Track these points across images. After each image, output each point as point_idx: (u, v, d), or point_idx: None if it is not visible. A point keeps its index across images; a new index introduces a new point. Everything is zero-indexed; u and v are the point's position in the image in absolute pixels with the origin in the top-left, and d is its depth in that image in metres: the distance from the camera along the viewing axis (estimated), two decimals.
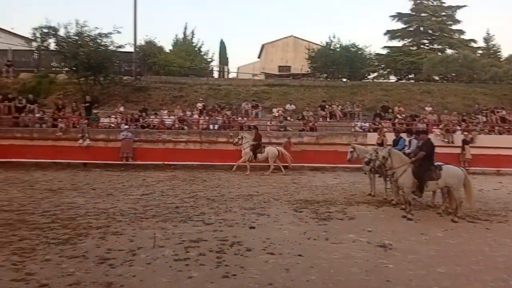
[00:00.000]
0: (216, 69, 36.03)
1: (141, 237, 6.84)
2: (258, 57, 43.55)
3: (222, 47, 40.45)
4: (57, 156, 16.50)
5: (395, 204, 10.00)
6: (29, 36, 22.66)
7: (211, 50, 42.45)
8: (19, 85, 21.82)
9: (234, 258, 5.85)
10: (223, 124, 19.36)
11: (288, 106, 21.60)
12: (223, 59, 39.34)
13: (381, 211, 9.45)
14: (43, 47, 22.06)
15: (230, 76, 36.22)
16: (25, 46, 26.84)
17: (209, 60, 34.94)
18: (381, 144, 12.72)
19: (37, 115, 18.62)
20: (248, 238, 6.84)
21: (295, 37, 39.13)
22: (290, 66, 37.32)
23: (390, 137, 12.93)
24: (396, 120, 19.83)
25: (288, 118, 20.48)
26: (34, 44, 23.01)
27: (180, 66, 28.34)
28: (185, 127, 19.01)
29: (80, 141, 16.80)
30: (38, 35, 21.11)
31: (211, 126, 19.14)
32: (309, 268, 5.54)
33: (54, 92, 21.95)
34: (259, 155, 15.97)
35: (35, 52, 24.38)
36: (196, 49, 34.02)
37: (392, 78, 33.22)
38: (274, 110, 21.06)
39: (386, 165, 9.14)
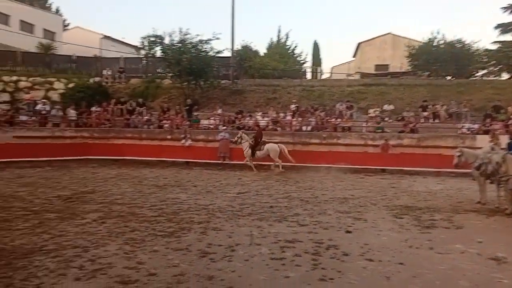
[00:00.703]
0: (309, 70, 35.92)
1: (239, 234, 7.06)
2: (353, 56, 42.44)
3: (316, 48, 40.16)
4: (163, 154, 17.78)
5: (509, 214, 8.99)
6: (138, 44, 24.81)
7: (304, 51, 42.43)
8: (129, 90, 23.99)
9: (331, 262, 5.74)
10: (316, 125, 19.19)
11: (386, 107, 20.68)
12: (316, 60, 39.04)
13: (492, 221, 8.56)
14: (150, 55, 23.97)
15: (324, 76, 35.85)
16: (135, 54, 29.49)
17: (302, 61, 34.99)
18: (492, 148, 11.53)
19: (145, 117, 20.34)
20: (345, 242, 6.67)
21: (393, 34, 37.39)
22: (388, 65, 35.74)
23: (503, 140, 11.65)
24: (510, 122, 17.82)
25: (386, 119, 19.60)
26: (143, 52, 25.07)
27: (274, 68, 28.80)
28: (278, 128, 19.23)
29: (183, 141, 17.93)
30: (146, 43, 23.01)
31: (304, 128, 19.11)
32: (412, 277, 5.21)
33: (160, 96, 23.74)
34: (257, 153, 16.02)
35: (143, 59, 26.57)
36: (290, 51, 34.29)
37: (505, 76, 29.97)
38: (371, 110, 20.32)
39: (500, 171, 8.26)
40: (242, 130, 17.43)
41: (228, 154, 17.54)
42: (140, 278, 5.04)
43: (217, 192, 11.43)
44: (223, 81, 24.20)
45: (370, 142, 17.62)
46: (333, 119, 19.47)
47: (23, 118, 19.44)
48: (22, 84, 23.13)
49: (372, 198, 10.96)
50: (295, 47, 34.52)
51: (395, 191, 12.34)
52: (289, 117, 20.03)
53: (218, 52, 22.91)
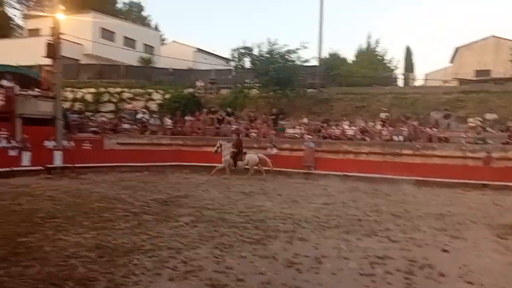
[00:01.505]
0: (401, 77, 34.26)
1: (325, 246, 6.92)
2: (451, 62, 39.61)
3: (408, 53, 38.19)
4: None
5: None
6: (228, 56, 25.81)
7: (395, 57, 40.64)
8: (220, 100, 25.02)
9: (425, 282, 5.36)
10: (409, 135, 18.20)
11: (487, 115, 18.95)
12: (409, 66, 37.08)
13: None
14: (239, 66, 24.78)
15: (417, 83, 33.92)
16: (225, 65, 30.73)
17: (393, 68, 33.52)
18: None
19: (234, 126, 21.01)
20: (441, 262, 6.19)
21: (496, 37, 34.22)
22: (489, 70, 32.73)
23: None
24: None
25: (488, 129, 17.93)
26: (232, 63, 26.01)
27: (363, 76, 28.01)
28: (367, 138, 18.61)
29: (269, 149, 18.16)
30: (235, 55, 23.87)
31: (395, 137, 18.24)
32: None
33: (248, 105, 24.38)
34: (239, 163, 16.25)
35: (233, 71, 27.55)
36: (380, 57, 33.08)
37: None
38: (470, 120, 18.76)
39: None
40: (221, 139, 17.58)
41: (313, 164, 17.38)
42: (228, 283, 5.17)
43: (302, 201, 11.36)
44: (309, 90, 24.13)
45: (469, 154, 16.30)
46: (428, 129, 18.32)
47: (126, 126, 21.26)
48: (125, 95, 25.37)
49: (472, 215, 10.06)
50: (385, 53, 33.23)
51: (498, 208, 11.20)
52: (378, 127, 19.29)
53: (305, 61, 22.99)
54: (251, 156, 16.55)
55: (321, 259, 6.18)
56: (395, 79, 32.23)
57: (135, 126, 21.43)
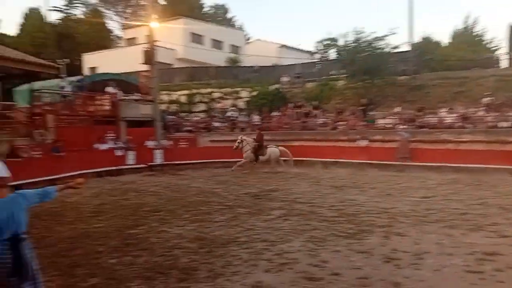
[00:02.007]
0: (505, 57, 30.92)
1: (426, 241, 6.53)
2: None
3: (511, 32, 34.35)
4: (338, 155, 17.82)
5: None
6: (313, 49, 25.57)
7: (497, 36, 36.78)
8: (305, 94, 24.87)
9: None
10: None
11: None
12: None
13: None
14: (324, 58, 24.41)
15: None
16: (309, 59, 30.49)
17: (495, 48, 30.42)
18: None
19: (320, 119, 20.76)
20: None
21: None
22: None
23: None
24: None
25: None
26: (317, 56, 25.71)
27: (460, 59, 25.84)
28: (469, 125, 17.11)
29: (359, 142, 17.63)
30: (320, 47, 23.57)
31: (501, 124, 16.53)
32: None
33: (334, 97, 23.89)
34: (261, 157, 15.82)
35: (318, 63, 27.23)
36: (479, 38, 30.26)
37: None
38: None
39: None
40: (242, 135, 17.04)
41: (408, 155, 16.45)
42: (324, 276, 5.14)
43: (398, 195, 10.84)
44: (400, 77, 22.88)
45: None
46: None
47: (217, 124, 22.17)
48: (215, 95, 26.46)
49: None
50: (486, 32, 30.31)
51: None
52: (481, 113, 17.64)
53: (394, 48, 21.87)
54: (273, 150, 16.35)
55: (422, 254, 5.86)
56: (497, 60, 29.22)
57: (226, 124, 22.23)
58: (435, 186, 12.18)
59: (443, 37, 55.53)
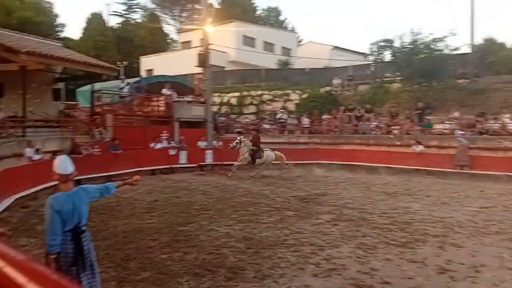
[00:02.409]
0: None
1: (484, 253, 6.16)
2: None
3: None
4: (391, 161, 17.28)
5: None
6: (366, 51, 24.96)
7: None
8: (358, 97, 24.36)
9: None
10: None
11: None
12: None
13: None
14: (378, 60, 23.75)
15: None
16: (362, 61, 29.80)
17: None
18: None
19: (373, 123, 20.23)
20: None
21: None
22: None
23: None
24: None
25: None
26: (371, 58, 25.05)
27: None
28: None
29: (414, 147, 16.98)
30: (374, 49, 22.94)
31: None
32: None
33: (388, 101, 23.21)
34: (257, 160, 15.44)
35: (372, 65, 26.53)
36: None
37: None
38: None
39: None
40: (241, 136, 16.43)
41: (467, 162, 15.62)
42: (374, 284, 4.99)
43: (455, 204, 10.31)
44: (460, 81, 21.78)
45: None
46: None
47: (266, 126, 22.26)
48: (265, 97, 26.60)
49: None
50: None
51: None
52: None
53: (454, 50, 20.83)
54: (269, 154, 16.02)
55: (479, 267, 5.53)
56: None
57: (275, 126, 22.26)
58: (495, 196, 11.46)
59: (508, 38, 52.33)
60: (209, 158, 17.86)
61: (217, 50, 26.07)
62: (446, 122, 18.29)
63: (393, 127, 19.19)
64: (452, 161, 15.82)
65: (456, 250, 6.36)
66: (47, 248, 3.54)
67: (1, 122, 13.12)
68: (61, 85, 18.44)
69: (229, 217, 8.67)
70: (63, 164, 3.61)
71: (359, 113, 21.30)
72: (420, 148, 16.78)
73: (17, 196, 9.55)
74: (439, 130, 17.98)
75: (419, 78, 20.92)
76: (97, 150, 14.28)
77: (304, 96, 25.33)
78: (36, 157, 11.30)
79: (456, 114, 18.69)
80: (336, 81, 25.93)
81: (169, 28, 48.43)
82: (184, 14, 49.15)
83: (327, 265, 5.66)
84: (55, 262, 3.49)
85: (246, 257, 6.00)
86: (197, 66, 20.06)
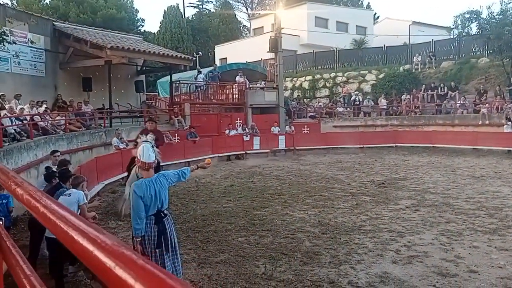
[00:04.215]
0: None
1: None
2: None
3: None
4: (478, 142, 16.00)
5: None
6: (450, 25, 23.12)
7: None
8: (440, 74, 22.73)
9: None
10: None
11: None
12: None
13: None
14: (464, 33, 21.92)
15: None
16: (445, 35, 27.67)
17: None
18: None
19: (459, 102, 18.81)
20: None
21: None
22: None
23: None
24: None
25: None
26: (455, 31, 23.20)
27: None
28: None
29: (505, 126, 15.52)
30: (459, 22, 21.18)
31: None
32: None
33: (475, 77, 21.36)
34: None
35: (456, 40, 24.55)
36: None
37: None
38: None
39: None
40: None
41: None
42: (459, 273, 4.70)
43: None
44: None
45: None
46: None
47: (340, 109, 21.73)
48: (339, 79, 25.88)
49: None
50: None
51: None
52: None
53: None
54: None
55: None
56: None
57: (349, 109, 21.66)
58: None
59: None
60: (282, 143, 17.93)
61: (289, 34, 25.81)
62: None
63: (481, 105, 17.67)
64: None
65: None
66: (133, 232, 3.81)
67: (91, 114, 14.29)
68: (142, 77, 19.57)
69: (303, 202, 8.65)
70: (146, 153, 3.81)
71: (442, 91, 19.91)
72: (509, 126, 15.29)
73: (106, 182, 10.39)
74: None
75: (511, 51, 18.92)
76: (177, 137, 14.99)
77: (381, 76, 24.21)
78: (121, 145, 12.16)
79: None
80: (416, 59, 24.41)
81: (242, 15, 48.94)
82: (256, 0, 49.28)
83: (408, 252, 5.43)
84: (140, 244, 3.75)
85: (322, 242, 5.96)
86: (269, 52, 20.08)
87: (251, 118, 18.81)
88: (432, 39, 26.08)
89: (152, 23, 64.84)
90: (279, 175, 12.50)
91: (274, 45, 19.35)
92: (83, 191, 5.02)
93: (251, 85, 20.23)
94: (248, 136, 17.27)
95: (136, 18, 39.13)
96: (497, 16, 19.35)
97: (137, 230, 3.76)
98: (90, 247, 0.88)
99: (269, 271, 4.92)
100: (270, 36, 19.82)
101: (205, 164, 4.56)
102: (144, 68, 19.10)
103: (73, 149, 11.35)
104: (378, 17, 44.24)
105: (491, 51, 20.66)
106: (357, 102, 21.64)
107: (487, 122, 16.68)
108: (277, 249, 5.71)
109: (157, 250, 3.83)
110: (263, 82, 21.04)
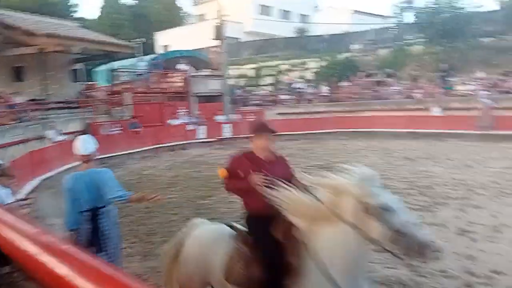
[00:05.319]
0: None
1: (506, 214, 6.07)
2: None
3: None
4: (413, 126, 16.94)
5: None
6: (388, 14, 24.13)
7: None
8: (378, 62, 23.73)
9: None
10: None
11: None
12: None
13: None
14: (400, 22, 22.94)
15: None
16: (384, 24, 28.80)
17: None
18: None
19: (394, 87, 19.74)
20: None
21: None
22: None
23: None
24: None
25: None
26: (392, 20, 24.22)
27: None
28: None
29: (435, 110, 16.56)
30: (396, 10, 22.12)
31: None
32: None
33: (410, 64, 22.50)
34: None
35: (392, 28, 25.64)
36: None
37: None
38: None
39: None
40: None
41: (490, 124, 15.15)
42: None
43: (478, 166, 10.11)
44: (485, 40, 20.81)
45: None
46: None
47: (284, 97, 22.05)
48: (282, 67, 26.24)
49: None
50: None
51: None
52: None
53: (479, 7, 19.91)
54: None
55: (500, 228, 5.47)
56: None
57: (293, 97, 22.05)
58: None
59: None
60: (227, 132, 17.95)
61: (233, 21, 25.67)
62: (470, 83, 17.69)
63: (415, 91, 18.70)
64: (475, 123, 15.40)
65: (478, 212, 6.29)
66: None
67: (23, 106, 13.44)
68: (80, 65, 18.65)
69: None
70: (83, 145, 3.65)
71: (380, 78, 20.82)
72: (438, 110, 16.34)
73: (44, 177, 9.87)
74: (462, 91, 17.43)
75: (442, 39, 20.15)
76: (117, 129, 14.51)
77: (323, 64, 24.85)
78: (59, 138, 11.59)
79: (480, 74, 18.04)
80: (355, 47, 25.29)
81: (185, 1, 47.90)
82: None
83: None
84: (72, 239, 3.54)
85: None
86: (213, 39, 19.86)
87: (195, 107, 18.62)
88: (371, 28, 27.11)
89: (90, 9, 61.85)
90: (225, 163, 12.47)
91: (218, 33, 19.18)
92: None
93: (195, 73, 19.96)
94: (192, 125, 17.10)
95: (69, 3, 37.07)
96: (431, 6, 20.45)
97: (66, 223, 3.63)
98: (13, 236, 0.86)
99: None
100: (214, 24, 19.60)
101: (153, 199, 3.86)
102: (81, 56, 18.20)
103: (4, 143, 10.65)
104: (319, 6, 45.06)
105: (425, 39, 21.83)
106: (300, 90, 22.07)
107: (420, 107, 17.67)
108: None
109: (90, 249, 3.58)
110: (207, 70, 20.84)
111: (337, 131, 18.45)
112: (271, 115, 20.11)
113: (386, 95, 19.52)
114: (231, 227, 3.18)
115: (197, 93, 18.98)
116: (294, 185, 2.72)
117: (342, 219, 2.35)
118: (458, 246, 4.94)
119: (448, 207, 6.62)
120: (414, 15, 21.60)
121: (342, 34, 28.53)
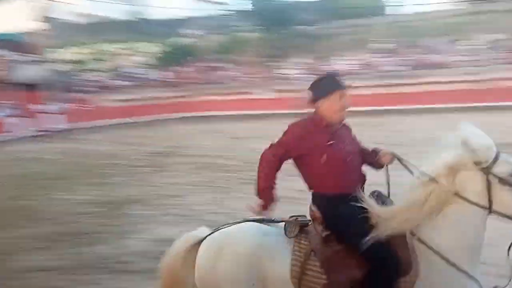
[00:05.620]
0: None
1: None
2: None
3: None
4: (247, 107, 17.93)
5: None
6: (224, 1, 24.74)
7: None
8: (212, 47, 24.23)
9: None
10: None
11: None
12: None
13: None
14: (233, 10, 23.85)
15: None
16: (219, 10, 29.53)
17: None
18: None
19: (228, 72, 20.63)
20: None
21: None
22: None
23: None
24: None
25: None
26: (227, 7, 24.97)
27: (360, 7, 25.85)
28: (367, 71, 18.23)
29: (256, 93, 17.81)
30: None
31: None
32: None
33: (241, 50, 23.42)
34: None
35: (226, 15, 26.55)
36: None
37: None
38: None
39: None
40: None
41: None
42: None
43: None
44: (302, 27, 22.99)
45: None
46: None
47: (117, 83, 20.96)
48: (116, 51, 24.90)
49: None
50: None
51: None
52: (383, 59, 18.81)
53: None
54: None
55: None
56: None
57: (126, 82, 21.08)
58: None
59: None
60: (55, 123, 16.28)
61: (60, 2, 23.12)
62: (294, 68, 19.57)
63: (246, 75, 19.87)
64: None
65: None
66: None
67: None
68: None
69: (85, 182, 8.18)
70: None
71: (213, 64, 21.45)
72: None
73: None
74: (287, 75, 19.20)
75: (270, 27, 21.74)
76: None
77: (159, 48, 24.40)
78: None
79: (301, 59, 20.08)
80: (191, 32, 25.46)
81: None
82: None
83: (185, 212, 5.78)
84: None
85: (100, 220, 5.77)
86: (34, 20, 17.62)
87: (15, 96, 16.38)
88: (209, 14, 27.57)
89: None
90: (54, 158, 11.39)
91: (41, 13, 17.10)
92: None
93: (13, 59, 17.50)
94: (14, 117, 15.08)
95: None
96: None
97: None
98: None
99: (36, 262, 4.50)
100: (36, 3, 17.34)
101: None
102: None
103: None
104: None
105: (260, 26, 23.18)
106: (136, 75, 21.29)
107: (255, 90, 18.92)
108: (49, 237, 5.24)
109: None
110: (29, 55, 18.46)
111: (177, 117, 18.45)
112: (106, 101, 19.00)
113: (218, 79, 20.27)
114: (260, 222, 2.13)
115: (19, 81, 16.73)
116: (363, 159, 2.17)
117: (469, 201, 1.90)
118: None
119: None
120: (251, 3, 22.77)
121: (180, 19, 28.39)
